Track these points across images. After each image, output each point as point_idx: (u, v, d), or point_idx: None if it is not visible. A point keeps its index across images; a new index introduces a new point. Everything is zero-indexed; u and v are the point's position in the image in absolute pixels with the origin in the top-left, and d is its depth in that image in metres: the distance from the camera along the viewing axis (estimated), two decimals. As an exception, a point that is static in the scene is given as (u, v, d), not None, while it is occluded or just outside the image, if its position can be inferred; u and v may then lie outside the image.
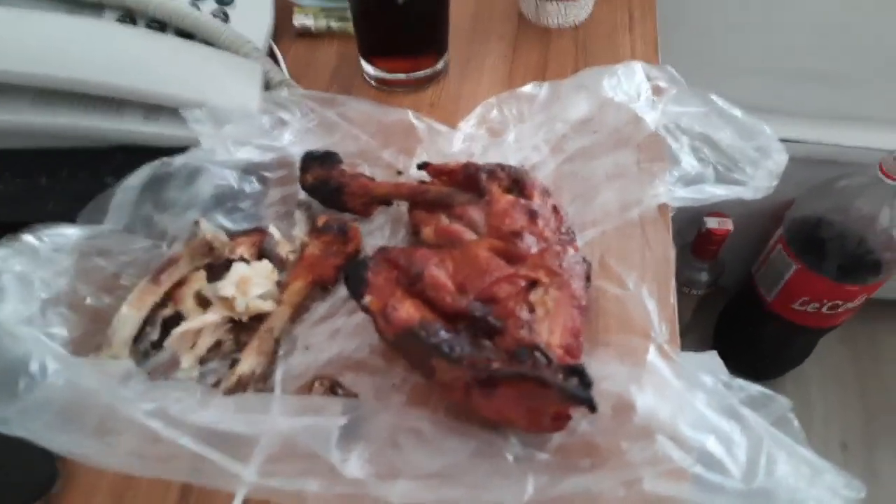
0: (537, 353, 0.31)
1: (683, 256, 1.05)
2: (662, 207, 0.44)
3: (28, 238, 0.35)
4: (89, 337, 0.35)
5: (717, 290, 1.10)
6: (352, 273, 0.34)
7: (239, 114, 0.44)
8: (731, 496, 0.29)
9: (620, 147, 0.47)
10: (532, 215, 0.38)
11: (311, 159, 0.43)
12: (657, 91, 0.49)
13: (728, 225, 0.98)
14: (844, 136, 0.92)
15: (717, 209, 0.99)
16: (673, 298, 0.40)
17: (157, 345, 0.36)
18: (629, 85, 0.49)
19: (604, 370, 0.34)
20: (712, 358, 0.35)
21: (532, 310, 0.34)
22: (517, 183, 0.41)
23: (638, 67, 0.50)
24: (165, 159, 0.41)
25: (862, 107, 0.92)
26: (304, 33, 0.59)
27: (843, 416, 1.12)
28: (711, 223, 0.98)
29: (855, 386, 1.15)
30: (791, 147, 0.45)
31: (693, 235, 1.03)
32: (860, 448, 1.08)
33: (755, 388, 0.34)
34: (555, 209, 0.40)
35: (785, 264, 0.93)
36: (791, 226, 0.93)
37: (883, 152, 0.81)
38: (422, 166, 0.43)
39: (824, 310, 0.93)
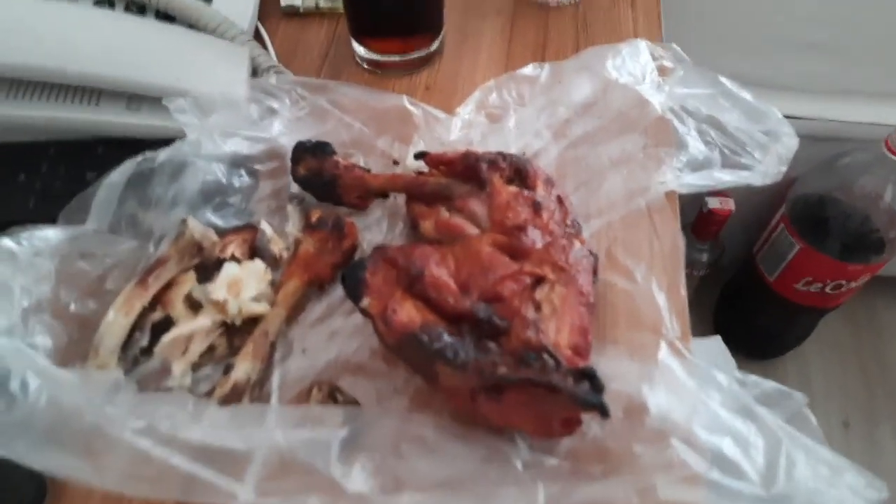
0: (545, 356, 0.30)
1: (684, 237, 1.03)
2: (670, 195, 0.42)
3: (6, 242, 0.33)
4: (75, 345, 0.33)
5: (716, 268, 1.09)
6: (349, 275, 0.33)
7: (225, 102, 0.42)
8: (750, 502, 0.28)
9: (626, 132, 0.45)
10: (536, 207, 0.36)
11: (302, 150, 0.41)
12: (663, 71, 0.47)
13: (729, 205, 0.96)
14: (849, 111, 0.90)
15: (718, 189, 0.97)
16: (683, 291, 0.38)
17: (147, 351, 0.34)
18: (634, 65, 0.47)
19: (613, 369, 0.32)
20: (717, 344, 0.34)
21: (538, 308, 0.33)
22: (519, 173, 0.39)
23: (643, 46, 0.47)
24: (149, 153, 0.38)
25: (867, 81, 0.90)
26: (292, 12, 0.56)
27: (844, 394, 1.11)
28: (713, 203, 0.96)
29: (855, 363, 1.14)
30: (794, 123, 0.43)
31: (693, 216, 1.01)
32: (862, 426, 1.08)
33: (769, 385, 0.33)
34: (559, 200, 0.38)
35: (787, 244, 0.92)
36: (794, 204, 0.92)
37: (889, 128, 0.79)
38: (419, 156, 0.41)
39: (827, 290, 0.92)
